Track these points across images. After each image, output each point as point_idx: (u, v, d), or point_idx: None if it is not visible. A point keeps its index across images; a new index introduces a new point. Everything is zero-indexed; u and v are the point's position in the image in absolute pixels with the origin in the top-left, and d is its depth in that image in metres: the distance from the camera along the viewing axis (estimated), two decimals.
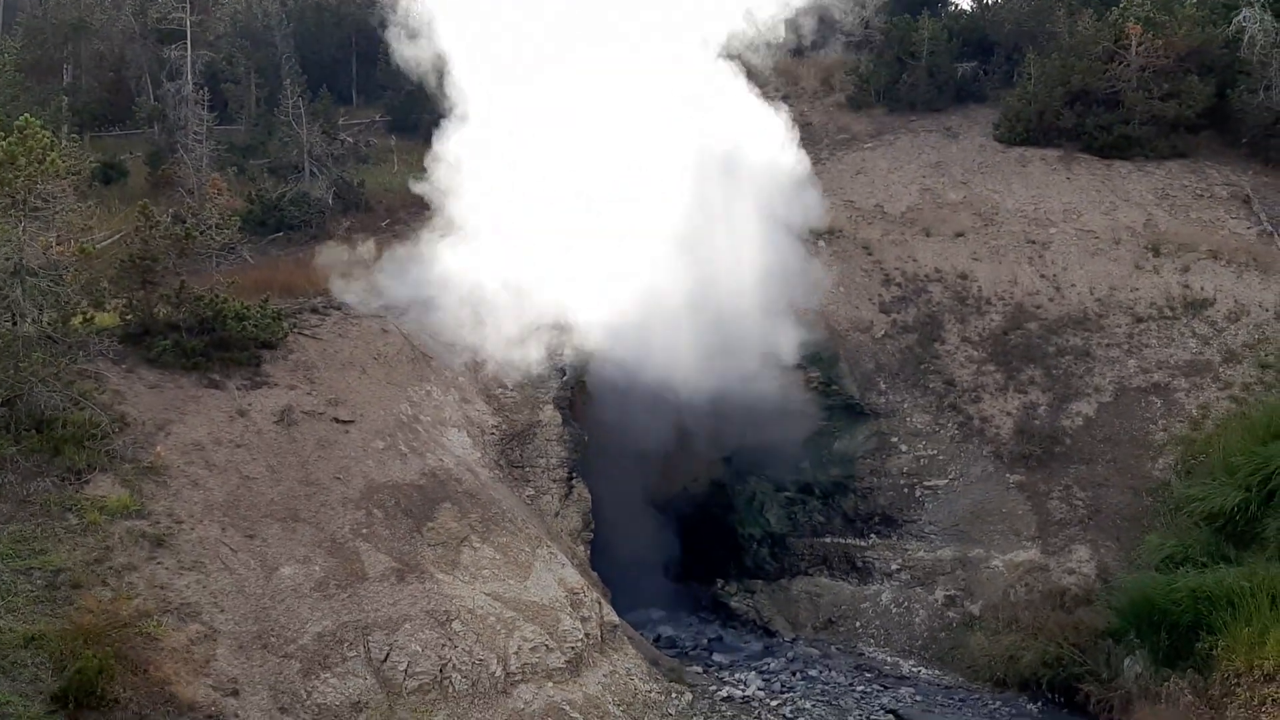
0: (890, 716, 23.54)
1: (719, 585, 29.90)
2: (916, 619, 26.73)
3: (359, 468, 24.10)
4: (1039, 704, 23.88)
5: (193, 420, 23.20)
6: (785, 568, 29.20)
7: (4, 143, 21.18)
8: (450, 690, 20.80)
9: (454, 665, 21.09)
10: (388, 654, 20.70)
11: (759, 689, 24.44)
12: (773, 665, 25.93)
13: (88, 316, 22.89)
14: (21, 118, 21.88)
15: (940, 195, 34.95)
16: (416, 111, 41.92)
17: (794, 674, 25.46)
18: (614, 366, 27.36)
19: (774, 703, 23.89)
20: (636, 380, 26.99)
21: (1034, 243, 32.45)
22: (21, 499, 20.05)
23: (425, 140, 42.60)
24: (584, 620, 23.50)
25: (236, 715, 17.81)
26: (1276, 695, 18.58)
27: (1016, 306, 30.95)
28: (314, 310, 27.97)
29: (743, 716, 23.26)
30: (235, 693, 18.24)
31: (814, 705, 23.89)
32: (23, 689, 16.61)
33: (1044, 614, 24.79)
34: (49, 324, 22.23)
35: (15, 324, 21.90)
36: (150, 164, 36.42)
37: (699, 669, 25.52)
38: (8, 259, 21.71)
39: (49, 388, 21.16)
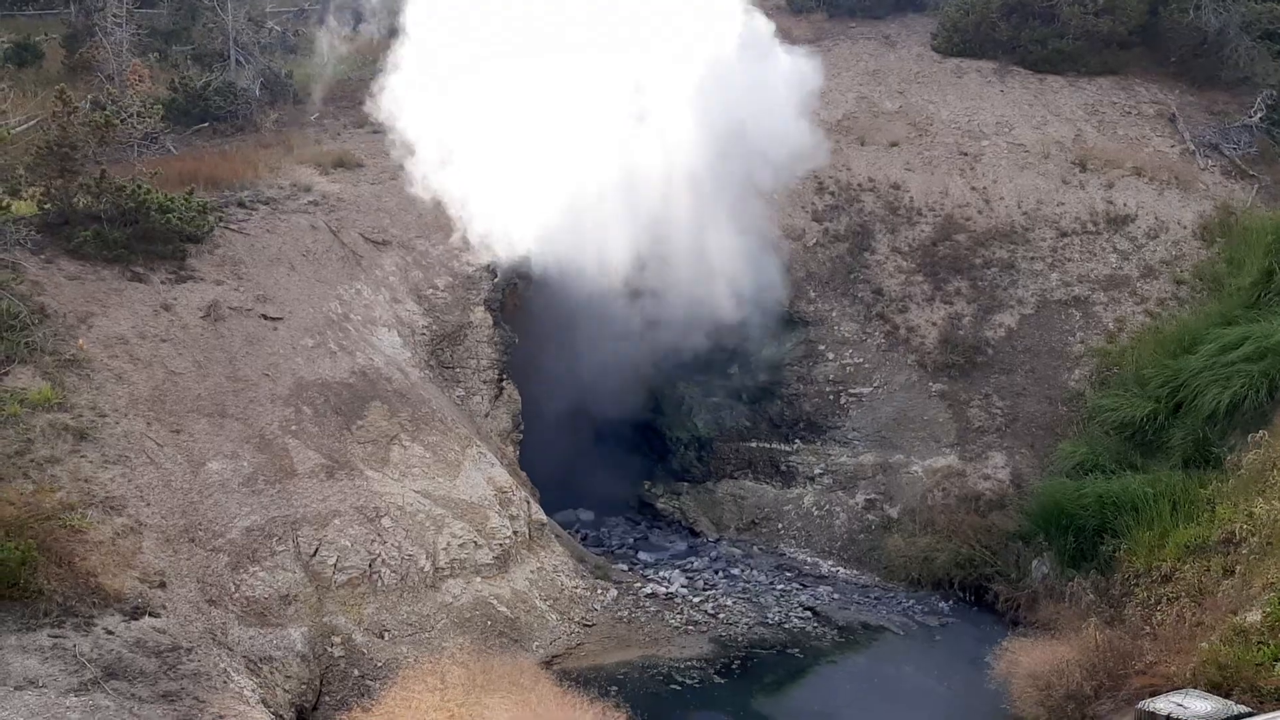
0: (808, 613, 24.39)
1: (646, 487, 30.42)
2: (837, 521, 27.51)
3: (288, 365, 23.93)
4: (950, 602, 24.88)
5: (115, 313, 22.78)
6: (711, 471, 29.76)
7: None
8: (379, 584, 21.11)
9: (383, 560, 21.37)
10: (317, 549, 20.89)
11: (682, 586, 25.11)
12: (696, 564, 26.61)
13: (3, 204, 22.22)
14: None
15: (877, 104, 34.97)
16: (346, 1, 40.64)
17: (717, 572, 26.17)
18: (545, 269, 27.30)
19: (696, 599, 24.59)
20: (569, 283, 27.00)
21: (966, 155, 32.73)
22: None
23: (355, 30, 41.52)
24: (512, 518, 23.86)
25: (164, 607, 17.89)
26: (1171, 594, 19.55)
27: (946, 218, 31.33)
28: (241, 204, 27.40)
29: (666, 612, 23.95)
30: (163, 585, 18.31)
31: (735, 602, 24.65)
32: None
33: (959, 517, 25.69)
34: None
35: None
36: (67, 46, 34.96)
37: (624, 567, 26.11)
38: None
39: None
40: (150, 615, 17.52)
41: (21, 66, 33.55)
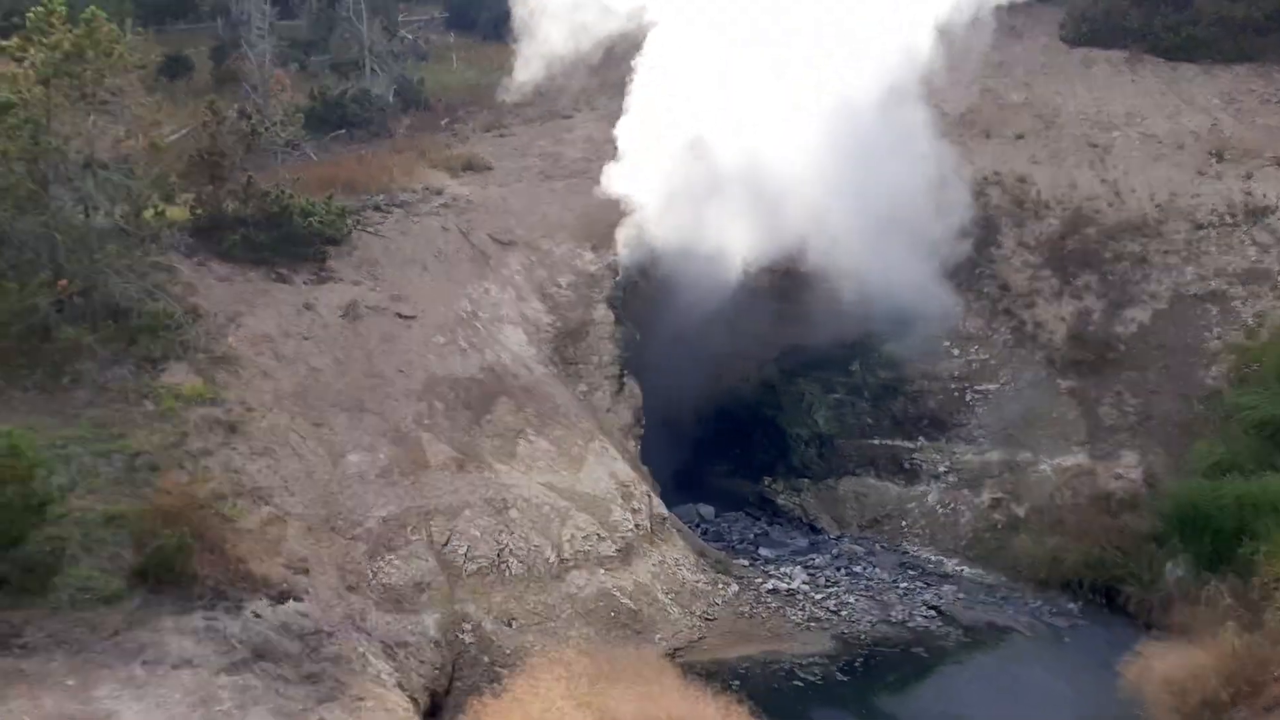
0: (932, 612, 24.21)
1: (766, 483, 30.54)
2: (962, 520, 27.20)
3: (421, 361, 24.84)
4: (1079, 604, 24.37)
5: (262, 313, 23.99)
6: (832, 467, 29.72)
7: (72, 35, 21.54)
8: (507, 574, 21.77)
9: (511, 550, 22.03)
10: (448, 538, 21.66)
11: (804, 582, 25.19)
12: (818, 560, 26.65)
13: (159, 210, 23.50)
14: (88, 10, 22.17)
15: (1001, 96, 34.37)
16: (475, 8, 41.78)
17: (839, 569, 26.17)
18: (669, 265, 27.67)
19: (818, 595, 24.65)
20: (690, 280, 27.30)
21: (1095, 146, 31.94)
22: (100, 386, 21.00)
23: (484, 37, 42.70)
24: (634, 512, 24.32)
25: (307, 592, 18.81)
26: None
27: (1075, 211, 30.63)
28: (376, 208, 28.50)
29: (787, 608, 24.07)
30: (306, 571, 19.24)
31: (857, 599, 24.62)
32: (104, 565, 17.62)
33: (1089, 517, 25.15)
34: (121, 217, 22.91)
35: (88, 216, 22.61)
36: (214, 59, 36.77)
37: (745, 562, 26.32)
38: (78, 152, 22.30)
39: (124, 279, 21.92)
40: (295, 600, 18.44)
41: (173, 78, 35.40)
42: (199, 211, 25.43)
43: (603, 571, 22.78)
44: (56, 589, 16.67)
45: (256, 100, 29.65)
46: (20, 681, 15.12)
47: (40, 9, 21.28)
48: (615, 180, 28.08)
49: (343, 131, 34.34)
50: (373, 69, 36.22)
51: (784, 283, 27.99)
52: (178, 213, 25.22)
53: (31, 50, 21.21)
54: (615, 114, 35.65)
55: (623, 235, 28.33)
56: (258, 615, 17.77)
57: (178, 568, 17.74)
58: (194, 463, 20.16)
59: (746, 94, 26.52)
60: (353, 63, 36.82)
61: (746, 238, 26.44)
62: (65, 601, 16.59)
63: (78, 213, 22.24)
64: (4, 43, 23.53)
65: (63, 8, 21.31)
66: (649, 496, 25.12)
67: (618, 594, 22.52)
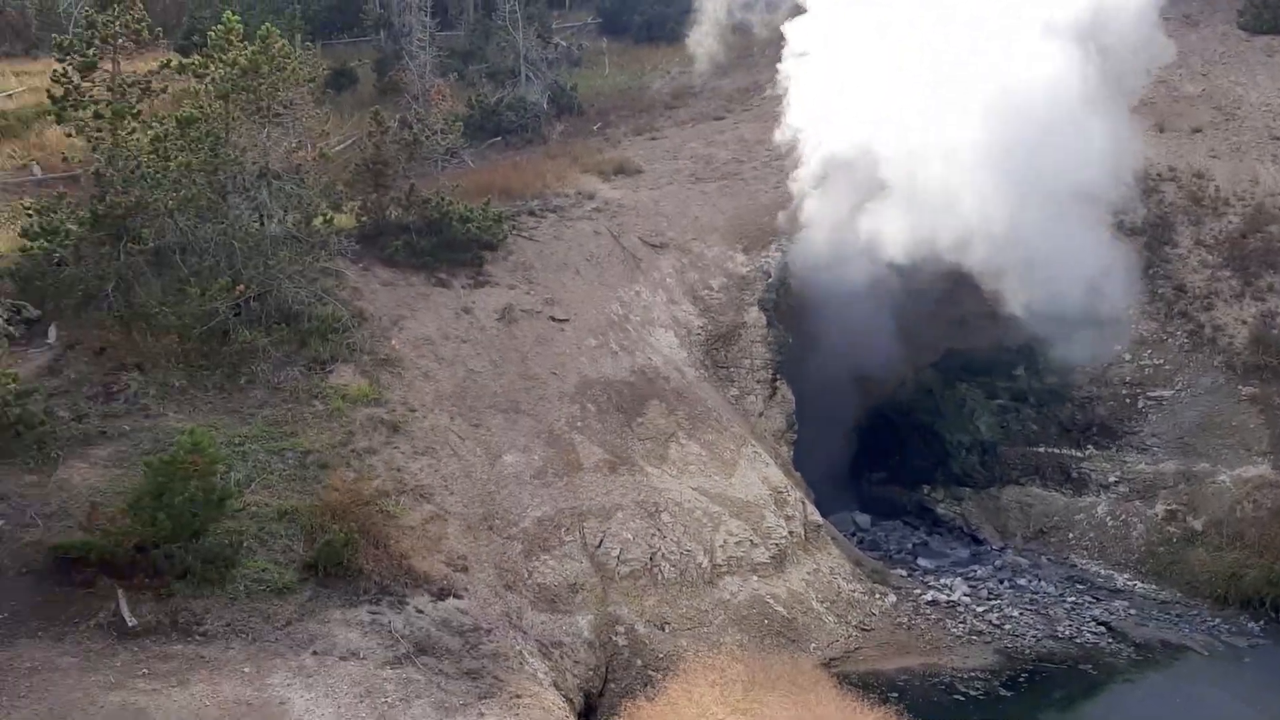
0: (1102, 628, 23.16)
1: (925, 491, 29.76)
2: (1134, 532, 25.95)
3: (574, 364, 25.08)
4: (1261, 623, 22.98)
5: (423, 316, 24.62)
6: (995, 476, 28.75)
7: (248, 52, 22.55)
8: (660, 577, 21.75)
9: (663, 554, 22.00)
10: (601, 540, 21.78)
11: (965, 594, 24.43)
12: (979, 572, 25.81)
13: (327, 218, 24.38)
14: (262, 27, 23.17)
15: (1177, 88, 32.71)
16: (627, 13, 42.05)
17: (1002, 582, 25.29)
18: (822, 267, 27.24)
19: (980, 609, 23.86)
20: (846, 281, 26.81)
21: (1279, 139, 30.11)
22: (273, 386, 21.87)
23: (636, 41, 42.97)
24: (788, 519, 24.00)
25: (466, 589, 19.18)
26: None
27: (1257, 208, 28.90)
28: (531, 213, 28.93)
29: (948, 620, 23.37)
30: (465, 569, 19.63)
31: (1022, 613, 23.74)
32: (277, 558, 18.36)
33: (1273, 531, 23.71)
34: (293, 224, 23.87)
35: (263, 224, 23.63)
36: (378, 71, 37.98)
37: (903, 572, 25.68)
38: (254, 163, 23.31)
39: (295, 284, 22.80)
40: (455, 597, 18.84)
41: (339, 91, 36.69)
42: (364, 218, 26.27)
43: (756, 578, 22.56)
44: (234, 580, 17.44)
45: (418, 110, 30.43)
46: (201, 667, 15.85)
47: (220, 27, 22.32)
48: (772, 180, 27.75)
49: (498, 138, 35.01)
50: (528, 76, 36.84)
51: (944, 284, 27.18)
52: (344, 220, 26.14)
53: (212, 67, 22.27)
54: (767, 114, 35.46)
55: (776, 237, 28.01)
56: (420, 611, 18.22)
57: (345, 562, 18.36)
58: (360, 461, 20.80)
59: (906, 90, 25.86)
60: (508, 71, 37.53)
61: (905, 238, 25.77)
62: (242, 592, 17.34)
63: (253, 221, 23.25)
64: (185, 60, 24.84)
65: (240, 26, 22.30)
66: (803, 503, 24.76)
67: (771, 601, 22.25)
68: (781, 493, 24.52)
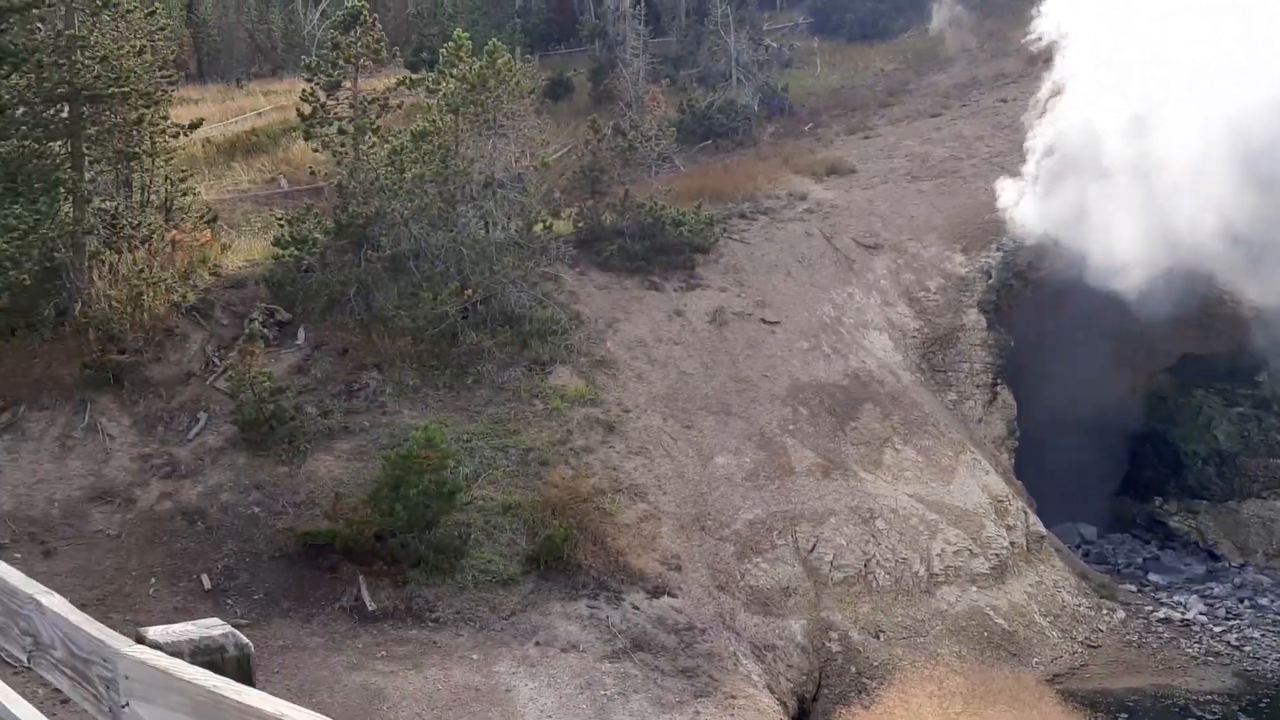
0: None
1: (1157, 503, 28.17)
2: None
3: (785, 367, 25.06)
4: None
5: (636, 319, 25.15)
6: (1234, 489, 26.94)
7: (476, 66, 23.64)
8: (874, 585, 21.47)
9: (877, 561, 21.72)
10: (814, 545, 21.69)
11: (1200, 613, 23.05)
12: (1217, 590, 24.28)
13: (547, 224, 25.26)
14: (490, 43, 24.24)
15: None
16: (839, 11, 41.64)
17: (1241, 601, 23.72)
18: (1048, 267, 26.25)
19: (1217, 629, 22.47)
20: (1072, 282, 25.72)
21: None
22: (498, 386, 22.82)
23: (848, 40, 42.49)
24: (1009, 529, 23.25)
25: (680, 588, 19.50)
26: None
27: None
28: (742, 215, 29.08)
29: (1181, 640, 22.13)
30: (678, 568, 19.96)
31: (1264, 634, 22.22)
32: (502, 550, 19.19)
33: None
34: (516, 231, 24.83)
35: (489, 231, 24.68)
36: (592, 79, 38.97)
37: (1133, 588, 24.44)
38: (481, 173, 24.40)
39: (518, 288, 23.73)
40: (669, 595, 19.19)
41: (556, 100, 37.88)
42: (580, 224, 27.05)
43: (975, 589, 21.96)
44: (463, 570, 18.34)
45: (632, 116, 31.09)
46: (434, 652, 16.75)
47: (450, 44, 23.47)
48: (992, 178, 26.95)
49: (709, 141, 35.32)
50: (739, 79, 37.01)
51: (1178, 285, 25.69)
52: (562, 225, 27.00)
53: (443, 83, 23.44)
54: (986, 110, 34.44)
55: (997, 236, 27.17)
56: (635, 607, 18.66)
57: (564, 556, 19.01)
58: (577, 459, 21.45)
59: (1137, 86, 24.61)
60: (720, 74, 37.81)
61: (1136, 237, 24.52)
62: (470, 582, 18.21)
63: (479, 228, 24.32)
64: (416, 76, 26.27)
65: (469, 42, 23.38)
66: (1024, 512, 23.94)
67: (991, 613, 21.62)
68: (1002, 501, 23.78)
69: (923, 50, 40.58)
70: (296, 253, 22.64)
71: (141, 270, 20.33)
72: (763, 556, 21.37)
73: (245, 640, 2.77)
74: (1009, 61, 37.82)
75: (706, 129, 35.50)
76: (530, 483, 20.60)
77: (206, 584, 17.29)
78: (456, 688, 16.14)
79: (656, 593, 19.19)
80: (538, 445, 21.49)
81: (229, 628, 2.81)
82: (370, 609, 17.35)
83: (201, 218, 22.26)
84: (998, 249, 27.85)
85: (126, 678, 2.61)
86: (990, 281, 27.47)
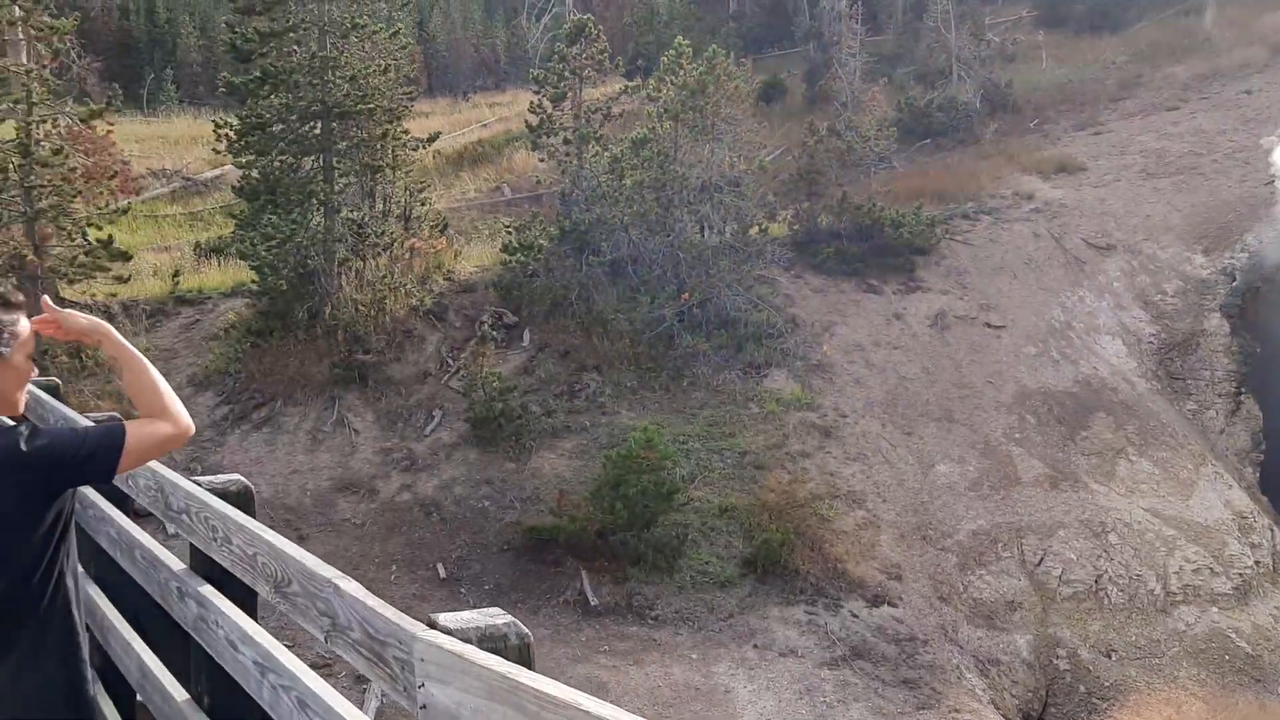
0: None
1: None
2: None
3: (1010, 373, 24.28)
4: None
5: (853, 322, 24.90)
6: None
7: (696, 72, 23.95)
8: (1105, 602, 20.54)
9: (1109, 577, 20.76)
10: (1041, 558, 20.92)
11: None
12: None
13: (763, 227, 25.32)
14: (710, 48, 24.51)
15: None
16: (1067, 3, 39.96)
17: None
18: None
19: None
20: None
21: None
22: (713, 388, 23.04)
23: (1076, 32, 40.74)
24: (1253, 547, 21.80)
25: (900, 598, 19.20)
26: None
27: None
28: (964, 216, 28.35)
29: None
30: (899, 578, 19.65)
31: None
32: (719, 552, 19.37)
33: None
34: (732, 235, 25.01)
35: (704, 235, 24.96)
36: (807, 80, 38.80)
37: None
38: (698, 178, 24.69)
39: (733, 291, 23.90)
40: (889, 605, 18.93)
41: (769, 102, 37.87)
42: (796, 227, 26.99)
43: (1215, 609, 20.68)
44: (681, 569, 18.63)
45: (849, 117, 30.77)
46: (654, 649, 17.10)
47: (671, 52, 23.88)
48: (1236, 174, 25.28)
49: (928, 140, 34.56)
50: (959, 75, 36.05)
51: None
52: (777, 228, 26.99)
53: (663, 90, 23.87)
54: (1228, 103, 32.36)
55: (1242, 235, 25.51)
56: (854, 615, 18.49)
57: (782, 561, 19.02)
58: (794, 464, 21.42)
59: None
60: (939, 71, 36.94)
61: None
62: (688, 582, 18.48)
63: (695, 232, 24.63)
64: (633, 84, 26.83)
65: (689, 49, 23.73)
66: (1271, 530, 22.38)
67: (1233, 635, 20.31)
68: (1246, 518, 22.31)
69: (1158, 41, 38.47)
70: (523, 258, 23.53)
71: (384, 276, 21.61)
72: (986, 568, 20.78)
73: (526, 631, 2.91)
74: (1253, 50, 35.43)
75: (925, 128, 34.75)
76: (746, 486, 20.71)
77: (442, 573, 18.21)
78: (677, 685, 16.42)
79: (876, 601, 18.96)
80: (753, 449, 21.58)
81: (511, 618, 2.98)
82: (593, 604, 17.86)
83: (435, 226, 23.44)
84: (1242, 249, 26.17)
85: (422, 660, 2.72)
86: (1234, 284, 25.85)
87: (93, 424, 3.14)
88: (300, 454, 20.09)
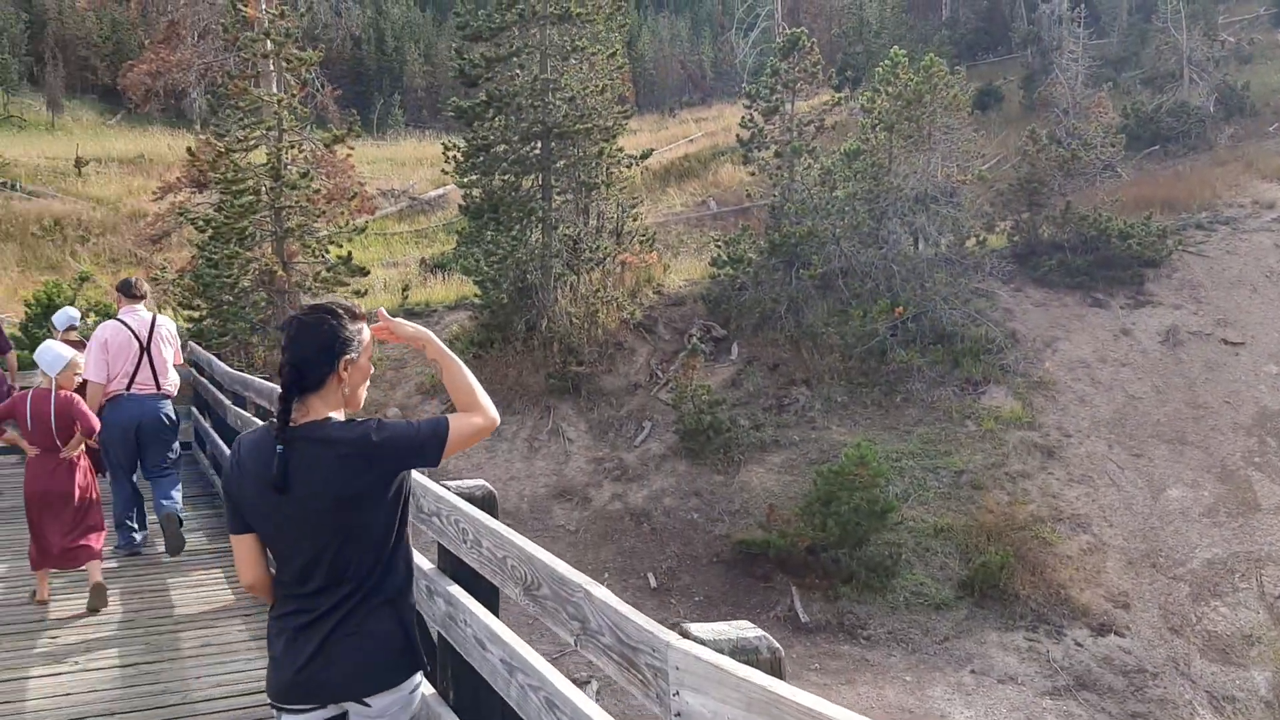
0: None
1: None
2: None
3: (1250, 393, 22.74)
4: None
5: (1077, 338, 23.86)
6: None
7: (913, 82, 23.53)
8: None
9: None
10: None
11: None
12: None
13: (980, 239, 24.59)
14: (926, 57, 24.03)
15: None
16: None
17: None
18: None
19: None
20: None
21: None
22: (927, 405, 22.51)
23: None
24: None
25: (1128, 628, 18.22)
26: None
27: None
28: (1198, 226, 26.76)
29: None
30: (1126, 606, 18.66)
31: None
32: (934, 573, 18.86)
33: None
34: (947, 247, 24.41)
35: (919, 247, 24.45)
36: (1024, 87, 37.49)
37: None
38: (913, 189, 24.22)
39: (949, 305, 23.29)
40: (1116, 634, 17.99)
41: (984, 110, 36.79)
42: (1015, 238, 26.09)
43: None
44: (894, 590, 18.25)
45: (1070, 124, 29.54)
46: (866, 670, 16.81)
47: (887, 62, 23.54)
48: None
49: (1156, 147, 32.79)
50: (1191, 78, 34.04)
51: None
52: (996, 240, 26.18)
53: (878, 100, 23.56)
54: None
55: None
56: (1078, 644, 17.66)
57: (1000, 585, 18.36)
58: (1013, 484, 20.67)
59: None
60: (1167, 74, 35.01)
61: None
62: (901, 603, 18.10)
63: (910, 244, 24.16)
64: (838, 95, 26.56)
65: (905, 58, 23.34)
66: None
67: None
68: None
69: None
70: (732, 272, 23.64)
71: (597, 290, 22.13)
72: (1222, 600, 19.46)
73: (777, 645, 2.92)
74: None
75: (1153, 134, 33.00)
76: (962, 506, 20.13)
77: (653, 582, 18.46)
78: (890, 708, 16.08)
79: (1102, 630, 18.05)
80: (970, 468, 20.95)
81: (762, 632, 2.99)
82: (803, 620, 17.72)
83: (645, 241, 23.85)
84: None
85: (677, 668, 2.77)
86: None
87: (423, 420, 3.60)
88: (518, 461, 20.79)
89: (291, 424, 3.28)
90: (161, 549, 9.29)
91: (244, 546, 3.41)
